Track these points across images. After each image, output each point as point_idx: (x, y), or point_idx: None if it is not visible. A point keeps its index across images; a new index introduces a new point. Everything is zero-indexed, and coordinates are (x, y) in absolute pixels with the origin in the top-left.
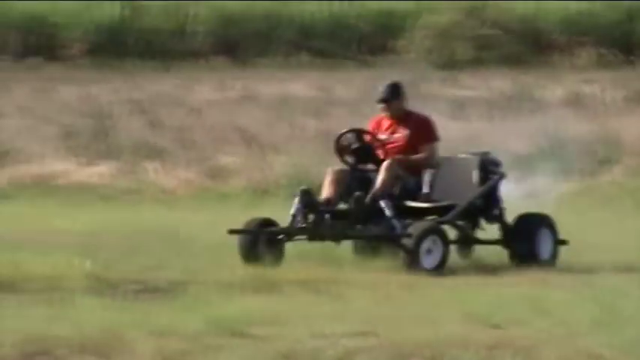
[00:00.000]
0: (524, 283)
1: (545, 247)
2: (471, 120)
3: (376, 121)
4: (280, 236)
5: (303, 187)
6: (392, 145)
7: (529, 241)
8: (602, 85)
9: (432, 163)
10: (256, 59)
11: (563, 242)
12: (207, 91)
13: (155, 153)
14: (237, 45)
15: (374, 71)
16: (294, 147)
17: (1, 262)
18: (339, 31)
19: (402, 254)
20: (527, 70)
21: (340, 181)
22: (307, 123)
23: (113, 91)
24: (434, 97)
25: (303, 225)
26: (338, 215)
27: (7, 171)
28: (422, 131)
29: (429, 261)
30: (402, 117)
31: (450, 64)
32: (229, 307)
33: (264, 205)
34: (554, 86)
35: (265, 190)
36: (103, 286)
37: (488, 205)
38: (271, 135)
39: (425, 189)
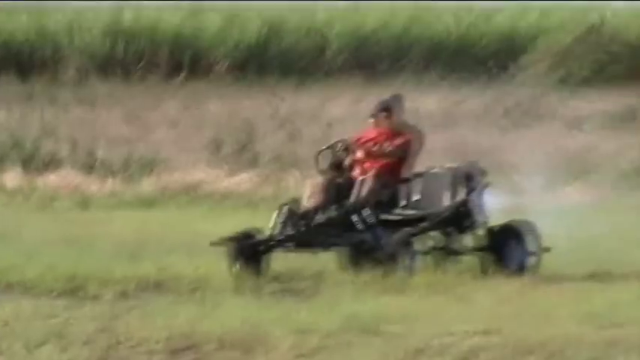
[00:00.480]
0: (635, 284)
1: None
2: (587, 134)
3: (365, 132)
4: (262, 247)
5: (285, 202)
6: (377, 156)
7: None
8: None
9: (413, 174)
10: (389, 76)
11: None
12: (342, 107)
13: (294, 163)
14: (371, 63)
15: (498, 88)
16: (424, 158)
17: (151, 265)
18: (466, 50)
19: (383, 260)
20: None
21: (325, 191)
22: (436, 136)
23: (255, 105)
24: (552, 113)
25: (292, 233)
26: (321, 225)
27: (156, 179)
28: (411, 145)
29: (412, 265)
30: (396, 130)
31: (569, 81)
32: (362, 306)
33: None
34: None
35: None
36: (246, 286)
37: (465, 214)
38: None
39: (416, 196)
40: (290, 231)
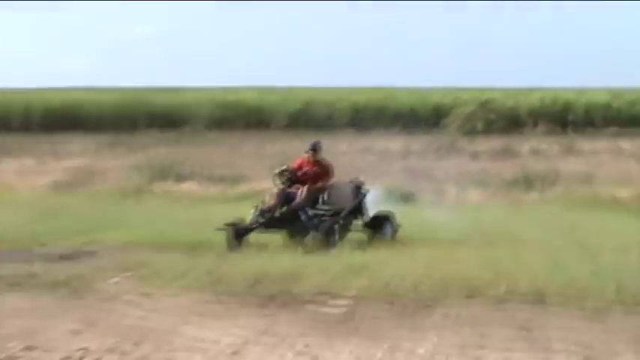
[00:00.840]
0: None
1: (387, 230)
2: (481, 161)
3: (300, 160)
4: (245, 230)
5: (256, 203)
6: (309, 176)
7: (380, 227)
8: None
9: (327, 187)
10: (371, 131)
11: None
12: (345, 146)
13: None
14: (361, 124)
15: (433, 135)
16: (390, 175)
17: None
18: (415, 115)
19: (312, 240)
20: None
21: (280, 196)
22: (398, 163)
23: (297, 145)
24: (462, 149)
25: (262, 221)
26: (279, 217)
27: (242, 187)
28: (327, 170)
29: (334, 240)
30: (318, 161)
31: (471, 132)
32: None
33: None
34: None
35: None
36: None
37: (358, 208)
38: None
39: (331, 198)
40: (261, 220)
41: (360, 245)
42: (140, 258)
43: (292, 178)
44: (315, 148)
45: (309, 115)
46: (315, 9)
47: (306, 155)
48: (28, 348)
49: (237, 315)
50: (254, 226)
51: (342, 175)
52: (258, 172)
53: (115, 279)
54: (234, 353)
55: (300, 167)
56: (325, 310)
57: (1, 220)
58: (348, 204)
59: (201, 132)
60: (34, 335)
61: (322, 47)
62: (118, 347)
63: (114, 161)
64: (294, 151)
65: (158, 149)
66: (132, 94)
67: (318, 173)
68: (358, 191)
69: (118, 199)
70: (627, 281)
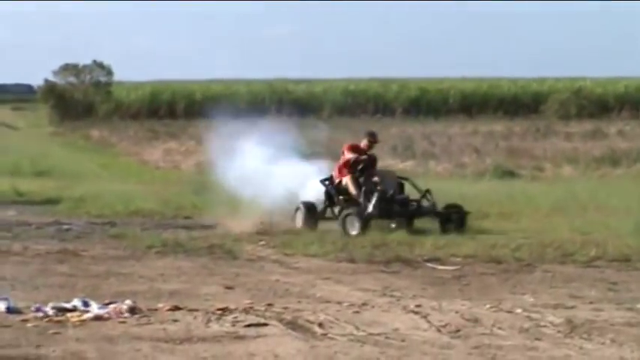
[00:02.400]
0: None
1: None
2: None
3: (356, 146)
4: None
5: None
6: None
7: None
8: None
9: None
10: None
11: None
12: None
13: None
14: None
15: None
16: None
17: None
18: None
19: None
20: None
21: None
22: None
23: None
24: None
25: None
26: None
27: None
28: (375, 159)
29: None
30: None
31: None
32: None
33: None
34: None
35: None
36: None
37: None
38: None
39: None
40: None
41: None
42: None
43: (364, 166)
44: (377, 140)
45: (423, 102)
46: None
47: (363, 142)
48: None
49: (364, 273)
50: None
51: (454, 155)
52: (382, 153)
53: (262, 242)
54: (363, 304)
55: (361, 152)
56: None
57: (152, 196)
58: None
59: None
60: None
61: (433, 40)
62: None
63: None
64: (411, 133)
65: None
66: (265, 84)
67: (373, 162)
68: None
69: None
70: None
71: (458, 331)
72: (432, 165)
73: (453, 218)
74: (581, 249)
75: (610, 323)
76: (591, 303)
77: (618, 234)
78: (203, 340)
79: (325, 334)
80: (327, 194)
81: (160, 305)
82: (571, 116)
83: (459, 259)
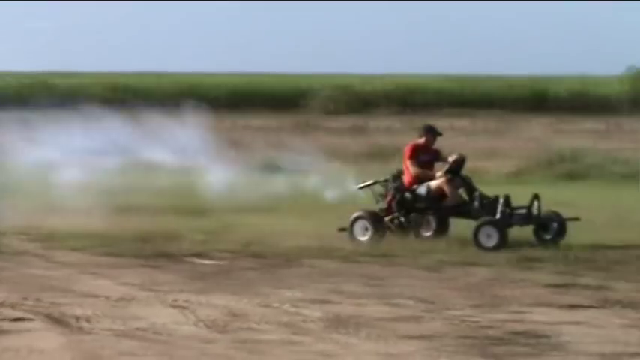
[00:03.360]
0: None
1: None
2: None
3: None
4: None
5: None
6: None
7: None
8: None
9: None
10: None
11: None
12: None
13: None
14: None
15: None
16: None
17: None
18: None
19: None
20: None
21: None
22: None
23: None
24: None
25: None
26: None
27: None
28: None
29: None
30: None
31: None
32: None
33: None
34: None
35: None
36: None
37: None
38: None
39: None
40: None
41: None
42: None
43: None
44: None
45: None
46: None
47: (423, 139)
48: None
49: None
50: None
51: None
52: None
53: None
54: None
55: (429, 150)
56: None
57: None
58: None
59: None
60: None
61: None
62: None
63: None
64: None
65: None
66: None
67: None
68: None
69: None
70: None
71: (222, 325)
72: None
73: (553, 226)
74: (342, 245)
75: (373, 318)
76: (355, 298)
77: None
78: None
79: (89, 329)
80: (401, 202)
81: None
82: (336, 112)
83: (224, 254)
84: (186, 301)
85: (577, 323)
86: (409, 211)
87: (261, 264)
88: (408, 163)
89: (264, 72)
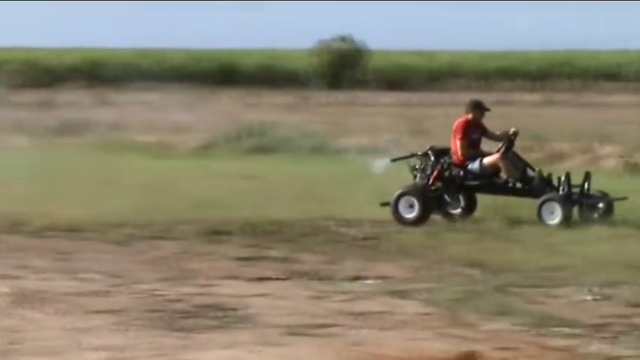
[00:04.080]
0: None
1: None
2: None
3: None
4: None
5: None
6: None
7: None
8: None
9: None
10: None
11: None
12: None
13: None
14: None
15: None
16: None
17: None
18: None
19: None
20: None
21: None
22: None
23: None
24: None
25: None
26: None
27: None
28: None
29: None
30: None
31: None
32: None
33: None
34: None
35: None
36: None
37: None
38: None
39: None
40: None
41: None
42: None
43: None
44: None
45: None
46: None
47: (470, 115)
48: None
49: None
50: None
51: None
52: None
53: None
54: None
55: (479, 126)
56: None
57: None
58: None
59: None
60: None
61: None
62: None
63: None
64: None
65: None
66: None
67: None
68: None
69: None
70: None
71: None
72: None
73: (600, 206)
74: (30, 219)
75: (60, 293)
76: (40, 273)
77: (69, 204)
78: None
79: None
80: (449, 179)
81: None
82: (22, 86)
83: None
84: None
85: (264, 295)
86: (458, 189)
87: None
88: (458, 140)
89: None
